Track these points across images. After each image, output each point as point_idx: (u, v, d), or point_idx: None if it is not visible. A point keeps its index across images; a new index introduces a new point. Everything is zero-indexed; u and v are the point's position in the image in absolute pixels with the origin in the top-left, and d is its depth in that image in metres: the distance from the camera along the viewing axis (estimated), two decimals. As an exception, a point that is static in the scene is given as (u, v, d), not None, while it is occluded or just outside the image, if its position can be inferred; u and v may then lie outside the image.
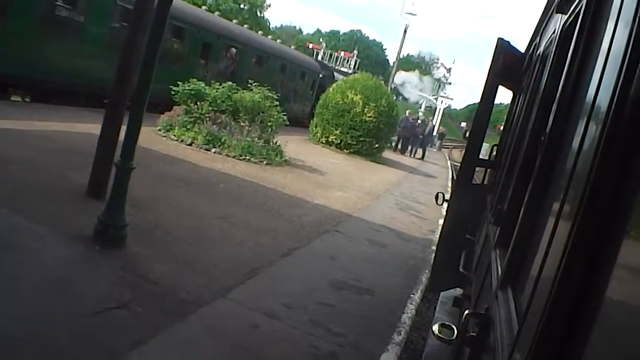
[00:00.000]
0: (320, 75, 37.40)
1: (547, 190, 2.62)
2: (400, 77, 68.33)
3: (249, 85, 18.68)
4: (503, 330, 2.15)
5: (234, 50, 26.01)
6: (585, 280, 1.47)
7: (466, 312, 2.88)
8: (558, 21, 3.69)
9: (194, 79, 17.75)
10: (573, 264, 1.49)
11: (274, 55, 31.52)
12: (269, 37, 37.54)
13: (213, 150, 16.29)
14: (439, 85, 73.95)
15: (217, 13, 31.78)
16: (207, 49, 24.47)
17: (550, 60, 3.63)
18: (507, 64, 6.55)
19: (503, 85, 6.94)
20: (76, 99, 17.72)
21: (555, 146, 2.63)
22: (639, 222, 1.31)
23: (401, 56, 55.39)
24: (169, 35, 20.82)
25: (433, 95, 70.40)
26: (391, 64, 69.59)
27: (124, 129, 7.54)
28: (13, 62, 15.19)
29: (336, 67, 51.22)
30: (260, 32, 35.87)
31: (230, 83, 18.36)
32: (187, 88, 17.17)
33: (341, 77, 35.08)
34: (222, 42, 25.66)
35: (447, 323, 3.03)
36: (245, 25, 31.34)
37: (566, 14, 3.35)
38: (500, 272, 2.84)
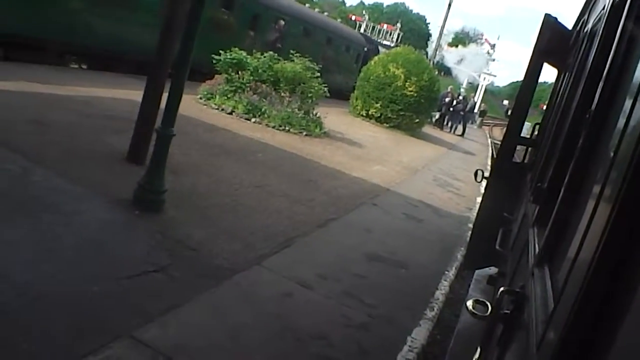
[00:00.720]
0: (365, 49, 37.33)
1: (589, 169, 2.59)
2: (458, 52, 67.38)
3: (291, 55, 18.66)
4: (538, 308, 2.14)
5: (282, 22, 26.32)
6: (623, 263, 1.45)
7: (501, 288, 2.87)
8: (608, -3, 3.60)
9: (236, 48, 17.78)
10: (611, 246, 1.47)
11: (321, 27, 31.82)
12: (316, 10, 37.50)
13: (253, 119, 16.33)
14: (486, 62, 72.73)
15: None
16: (256, 20, 24.65)
17: (599, 37, 3.55)
18: (553, 41, 6.42)
19: (548, 62, 6.82)
20: (130, 67, 17.94)
21: (600, 125, 2.59)
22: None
23: (444, 31, 54.65)
24: (219, 6, 21.25)
25: (476, 72, 69.42)
26: (434, 38, 68.64)
27: (165, 96, 7.60)
28: (70, 29, 15.61)
29: (378, 40, 50.76)
30: (307, 5, 35.86)
31: (271, 53, 18.37)
32: (228, 57, 17.20)
33: (384, 50, 34.87)
34: (271, 13, 25.89)
35: (481, 299, 3.02)
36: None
37: (617, -11, 3.26)
38: (537, 250, 2.82)
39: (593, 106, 2.76)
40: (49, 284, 4.81)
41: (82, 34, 16.12)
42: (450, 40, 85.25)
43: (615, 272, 1.48)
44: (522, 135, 7.18)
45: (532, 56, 6.33)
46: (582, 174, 2.65)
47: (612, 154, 1.78)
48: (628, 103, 1.77)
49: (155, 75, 8.81)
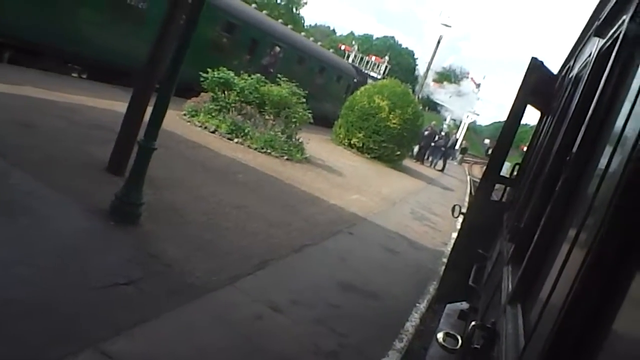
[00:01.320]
0: (355, 80, 38.17)
1: (566, 212, 2.61)
2: (446, 90, 68.14)
3: (278, 79, 18.79)
4: (508, 345, 2.14)
5: (277, 48, 27.58)
6: (596, 306, 1.47)
7: (472, 323, 2.88)
8: (595, 44, 3.67)
9: (224, 68, 17.83)
10: (585, 289, 1.49)
11: (314, 57, 33.14)
12: (311, 38, 38.41)
13: (235, 140, 16.31)
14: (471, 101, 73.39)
15: (253, 5, 32.74)
16: (254, 44, 25.73)
17: (583, 83, 3.61)
18: (538, 83, 6.52)
19: (532, 104, 6.91)
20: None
21: (580, 169, 2.62)
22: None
23: (431, 66, 55.25)
24: (220, 29, 23.09)
25: (461, 110, 70.09)
26: (421, 73, 69.15)
27: (150, 110, 7.58)
28: (74, 39, 16.13)
29: (366, 71, 51.21)
30: (303, 34, 36.82)
31: (258, 75, 18.47)
32: (216, 76, 17.23)
33: (372, 82, 35.39)
34: (268, 39, 27.10)
35: (451, 333, 3.02)
36: (280, 20, 32.08)
37: (604, 38, 3.33)
38: (510, 288, 2.83)
39: (574, 149, 2.80)
40: (20, 288, 4.77)
41: (85, 45, 16.53)
42: (436, 76, 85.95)
43: (588, 315, 1.49)
44: (501, 174, 7.25)
45: (517, 97, 6.40)
46: (559, 216, 2.67)
47: (590, 199, 1.80)
48: (609, 149, 1.80)
49: (141, 88, 8.80)
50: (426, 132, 35.32)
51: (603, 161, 1.82)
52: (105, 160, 8.68)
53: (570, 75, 5.44)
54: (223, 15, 22.56)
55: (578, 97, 3.65)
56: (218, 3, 21.57)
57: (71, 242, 6.08)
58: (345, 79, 38.02)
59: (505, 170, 8.00)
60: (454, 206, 7.44)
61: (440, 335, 2.98)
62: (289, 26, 34.27)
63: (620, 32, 2.66)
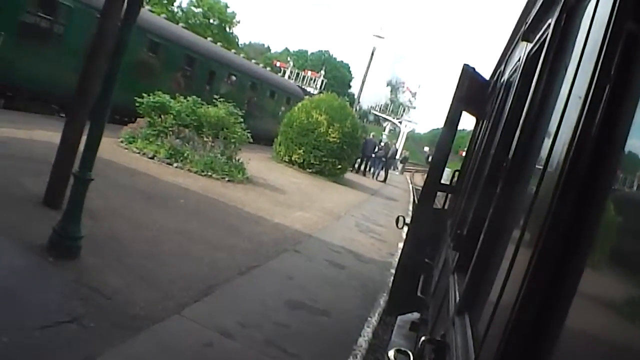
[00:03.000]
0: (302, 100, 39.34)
1: (508, 217, 2.60)
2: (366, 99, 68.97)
3: (214, 100, 18.66)
4: (459, 357, 2.11)
5: (233, 77, 31.48)
6: (544, 310, 1.44)
7: (422, 338, 2.84)
8: (523, 49, 3.71)
9: (159, 92, 17.65)
10: (532, 292, 1.46)
11: (266, 82, 37.93)
12: (242, 55, 39.67)
13: (175, 164, 16.13)
14: (404, 109, 74.46)
15: (181, 25, 34.63)
16: (212, 76, 29.56)
17: (515, 87, 3.65)
18: (471, 90, 6.59)
19: (467, 111, 6.98)
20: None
21: (517, 173, 2.62)
22: (599, 253, 1.28)
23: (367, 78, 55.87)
24: (183, 64, 26.75)
25: (397, 119, 71.08)
26: (358, 85, 70.10)
27: (85, 139, 7.39)
28: None
29: (302, 87, 51.64)
30: (233, 51, 38.84)
31: (194, 97, 18.30)
32: (151, 100, 16.98)
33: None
34: (224, 70, 30.70)
35: (403, 349, 2.97)
36: (209, 39, 33.17)
37: (532, 42, 3.37)
38: (457, 298, 2.81)
39: (510, 154, 2.80)
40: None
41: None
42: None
43: (536, 321, 1.46)
44: (442, 181, 7.30)
45: (451, 104, 6.46)
46: (500, 222, 2.66)
47: (530, 202, 1.78)
48: (544, 152, 1.79)
49: (74, 117, 8.59)
50: (366, 146, 35.61)
51: (540, 164, 1.81)
52: (41, 193, 8.43)
53: (501, 80, 5.51)
54: (184, 50, 26.17)
55: (510, 102, 3.68)
56: (179, 39, 25.50)
57: (8, 282, 5.84)
58: (294, 99, 39.80)
59: (447, 176, 8.08)
60: (398, 217, 7.45)
61: (391, 353, 2.93)
62: (209, 39, 36.39)
63: (547, 36, 2.68)
